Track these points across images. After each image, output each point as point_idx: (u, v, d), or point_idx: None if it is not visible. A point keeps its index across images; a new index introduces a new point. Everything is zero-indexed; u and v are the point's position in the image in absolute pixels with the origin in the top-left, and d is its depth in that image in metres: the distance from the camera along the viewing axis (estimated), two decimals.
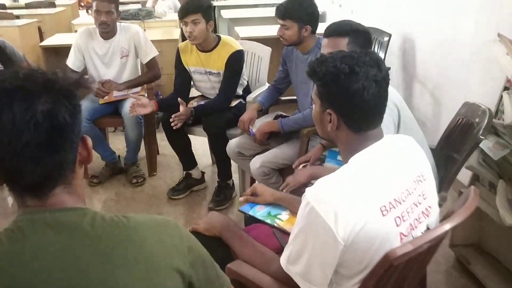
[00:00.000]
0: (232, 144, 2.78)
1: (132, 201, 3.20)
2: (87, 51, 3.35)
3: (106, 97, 3.32)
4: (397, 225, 1.18)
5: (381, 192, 1.18)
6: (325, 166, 2.13)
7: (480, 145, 2.12)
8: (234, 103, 3.06)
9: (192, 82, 3.18)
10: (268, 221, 1.68)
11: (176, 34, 5.09)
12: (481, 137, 1.78)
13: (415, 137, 1.87)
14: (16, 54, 3.57)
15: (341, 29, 1.95)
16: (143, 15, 5.70)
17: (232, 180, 3.14)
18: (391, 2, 4.24)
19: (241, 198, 1.79)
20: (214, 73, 3.02)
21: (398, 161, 1.26)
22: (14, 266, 0.79)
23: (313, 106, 1.34)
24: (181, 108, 2.84)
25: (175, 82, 3.14)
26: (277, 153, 2.58)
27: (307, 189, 1.20)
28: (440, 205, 1.76)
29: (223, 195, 3.04)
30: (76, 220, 0.86)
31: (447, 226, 1.25)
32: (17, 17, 6.43)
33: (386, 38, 3.91)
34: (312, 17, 2.56)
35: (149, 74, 3.44)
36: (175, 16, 5.91)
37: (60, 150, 0.85)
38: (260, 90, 3.12)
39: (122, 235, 0.87)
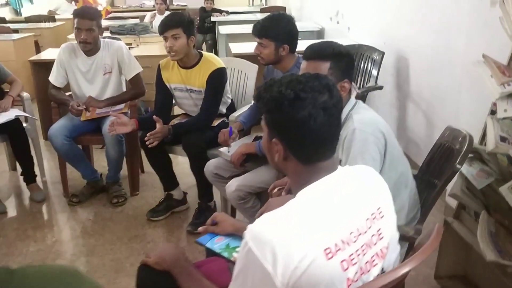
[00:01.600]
0: (210, 165, 2.67)
1: (110, 221, 3.09)
2: (70, 67, 3.27)
3: (88, 114, 3.24)
4: (344, 270, 1.06)
5: (327, 232, 1.06)
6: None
7: (464, 172, 2.00)
8: (216, 122, 2.96)
9: (174, 99, 3.09)
10: (226, 254, 1.56)
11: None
12: (457, 166, 1.66)
13: (401, 168, 1.78)
14: (0, 69, 3.51)
15: (322, 52, 1.77)
16: (139, 30, 5.68)
17: (214, 202, 3.02)
18: (386, 20, 4.14)
19: (201, 228, 1.67)
20: (195, 90, 2.93)
21: (351, 197, 1.14)
22: None
23: None
24: (158, 126, 2.75)
25: (156, 100, 3.05)
26: (254, 177, 2.46)
27: (248, 226, 1.09)
28: (412, 239, 1.65)
29: (203, 217, 2.91)
30: None
31: (404, 269, 1.12)
32: (16, 31, 6.43)
33: (379, 56, 3.80)
34: (289, 36, 2.45)
35: (132, 91, 3.36)
36: None
37: None
38: (246, 108, 3.02)
39: None
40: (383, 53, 3.79)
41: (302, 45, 4.74)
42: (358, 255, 1.09)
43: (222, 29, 6.39)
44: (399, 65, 3.88)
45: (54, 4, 9.77)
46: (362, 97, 3.77)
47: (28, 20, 7.59)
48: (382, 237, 1.16)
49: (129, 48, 4.69)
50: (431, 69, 3.34)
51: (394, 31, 3.94)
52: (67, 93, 3.38)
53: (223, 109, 3.05)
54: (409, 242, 1.68)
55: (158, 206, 3.12)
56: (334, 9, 5.59)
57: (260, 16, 7.69)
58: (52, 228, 3.03)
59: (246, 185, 2.43)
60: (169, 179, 3.12)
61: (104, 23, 6.70)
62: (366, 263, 1.11)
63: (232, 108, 3.13)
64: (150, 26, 6.02)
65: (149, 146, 2.72)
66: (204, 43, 7.78)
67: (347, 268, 1.06)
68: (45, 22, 7.35)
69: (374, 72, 3.81)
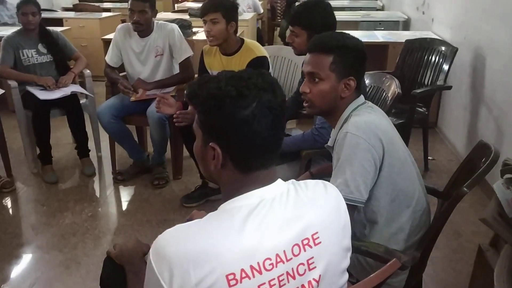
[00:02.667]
0: None
1: (145, 203, 3.13)
2: (124, 48, 3.33)
3: (138, 95, 3.29)
4: None
5: (236, 255, 0.92)
6: None
7: (498, 195, 1.70)
8: None
9: None
10: None
11: (245, 34, 5.03)
12: (464, 189, 1.39)
13: (403, 185, 1.53)
14: (67, 46, 3.68)
15: (325, 44, 1.58)
16: None
17: None
18: (467, 15, 3.70)
19: None
20: None
21: (279, 217, 0.98)
22: None
23: None
24: (190, 107, 2.69)
25: None
26: None
27: (158, 237, 0.98)
28: (403, 268, 1.43)
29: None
30: None
31: None
32: (108, 10, 6.74)
33: (451, 52, 3.41)
34: (324, 25, 2.24)
35: (181, 74, 3.34)
36: (249, 16, 5.81)
37: None
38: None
39: None
40: (456, 49, 3.39)
41: (377, 36, 4.48)
42: (273, 285, 0.94)
43: None
44: (475, 64, 3.46)
45: None
46: (428, 96, 3.43)
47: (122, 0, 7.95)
48: (314, 267, 0.99)
49: (199, 31, 4.74)
50: (508, 72, 2.92)
51: (475, 26, 3.50)
52: (122, 74, 3.46)
53: None
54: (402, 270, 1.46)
55: (193, 193, 3.10)
56: None
57: (348, 3, 7.36)
58: (91, 203, 3.13)
59: None
60: None
61: (187, 4, 6.83)
62: None
63: None
64: None
65: (176, 124, 2.70)
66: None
67: None
68: None
69: (445, 68, 3.42)
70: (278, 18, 8.09)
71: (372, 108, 1.60)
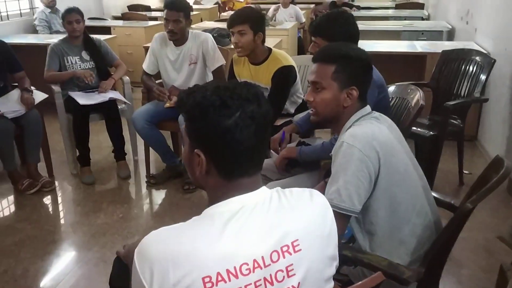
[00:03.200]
0: None
1: (174, 207, 3.21)
2: (160, 56, 3.45)
3: (172, 101, 3.39)
4: None
5: (213, 258, 0.95)
6: None
7: None
8: (280, 122, 2.87)
9: None
10: None
11: (284, 43, 5.08)
12: (468, 204, 1.36)
13: (403, 197, 1.50)
14: (109, 53, 3.84)
15: (327, 54, 1.61)
16: None
17: None
18: (508, 26, 3.58)
19: None
20: (262, 87, 2.87)
21: (258, 222, 1.01)
22: None
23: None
24: None
25: None
26: (291, 183, 2.33)
27: (142, 240, 1.04)
28: (405, 282, 1.42)
29: None
30: None
31: None
32: (155, 19, 6.94)
33: (488, 64, 3.31)
34: (345, 37, 2.23)
35: None
36: (290, 25, 5.85)
37: None
38: None
39: None
40: (493, 60, 3.29)
41: (415, 46, 4.40)
42: None
43: None
44: None
45: None
46: (463, 108, 3.34)
47: None
48: (293, 275, 1.01)
49: None
50: None
51: None
52: (158, 81, 3.58)
53: (291, 109, 2.96)
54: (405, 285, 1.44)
55: None
56: (465, 8, 5.02)
57: (392, 13, 7.26)
58: (123, 205, 3.25)
59: None
60: None
61: (231, 13, 6.95)
62: None
63: (303, 108, 3.00)
64: (270, 19, 6.06)
65: None
66: None
67: None
68: None
69: (482, 78, 3.32)
70: None
71: (377, 119, 1.60)
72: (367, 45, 4.35)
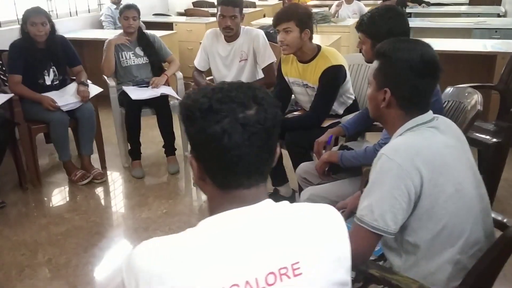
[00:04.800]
0: (300, 169, 2.50)
1: None
2: (211, 52, 3.43)
3: None
4: None
5: (199, 275, 0.87)
6: None
7: None
8: (328, 123, 2.74)
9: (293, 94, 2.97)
10: None
11: (343, 40, 4.92)
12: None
13: (447, 220, 1.34)
14: (162, 49, 3.87)
15: (375, 50, 1.54)
16: (318, 19, 5.59)
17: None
18: None
19: None
20: (310, 86, 2.76)
21: (256, 241, 0.91)
22: None
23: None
24: None
25: (274, 92, 2.97)
26: (332, 189, 2.21)
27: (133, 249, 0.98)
28: None
29: None
30: None
31: None
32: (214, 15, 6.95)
33: None
34: (388, 34, 2.06)
35: (263, 80, 3.34)
36: (351, 22, 5.65)
37: None
38: None
39: None
40: None
41: (485, 45, 4.07)
42: None
43: (412, 22, 5.87)
44: None
45: None
46: None
47: None
48: None
49: None
50: None
51: None
52: (209, 78, 3.55)
53: (340, 109, 2.82)
54: None
55: None
56: None
57: (465, 9, 6.82)
58: (168, 201, 3.26)
59: (319, 195, 2.19)
60: (277, 174, 3.03)
61: None
62: None
63: (353, 109, 2.85)
64: (331, 16, 5.89)
65: None
66: None
67: None
68: (245, 8, 7.81)
69: None
70: None
71: (435, 129, 1.42)
72: (432, 43, 4.09)
